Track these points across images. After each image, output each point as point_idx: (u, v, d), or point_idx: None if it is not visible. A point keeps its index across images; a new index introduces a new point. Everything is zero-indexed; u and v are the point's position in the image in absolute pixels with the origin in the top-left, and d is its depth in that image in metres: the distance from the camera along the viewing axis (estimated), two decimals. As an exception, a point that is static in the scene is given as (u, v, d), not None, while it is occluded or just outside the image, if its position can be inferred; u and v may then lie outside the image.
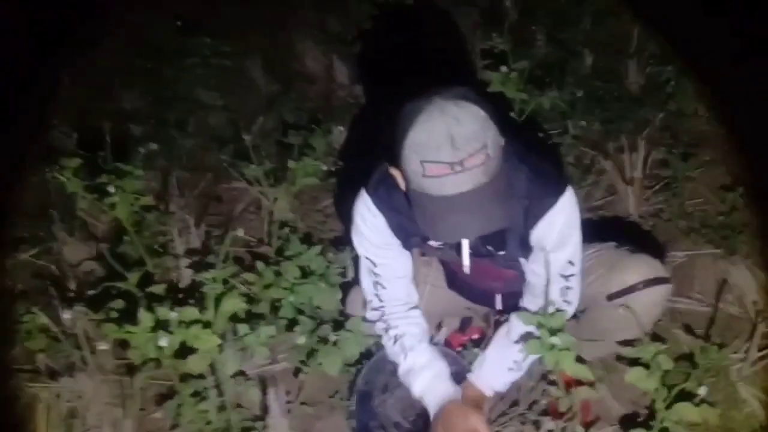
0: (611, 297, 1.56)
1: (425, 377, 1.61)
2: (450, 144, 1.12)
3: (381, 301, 1.61)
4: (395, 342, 1.63)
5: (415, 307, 1.67)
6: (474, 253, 1.51)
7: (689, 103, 2.80)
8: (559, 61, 3.01)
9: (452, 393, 1.59)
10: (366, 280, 1.61)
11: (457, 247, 1.49)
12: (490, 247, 1.48)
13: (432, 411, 1.60)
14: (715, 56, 2.96)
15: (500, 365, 1.59)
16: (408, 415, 1.71)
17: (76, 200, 2.48)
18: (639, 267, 1.57)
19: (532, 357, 1.49)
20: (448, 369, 1.64)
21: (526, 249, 1.46)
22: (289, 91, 3.38)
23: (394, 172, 1.28)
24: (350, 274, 2.02)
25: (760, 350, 1.82)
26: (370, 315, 1.65)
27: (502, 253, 1.48)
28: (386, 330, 1.64)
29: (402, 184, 1.30)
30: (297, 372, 1.86)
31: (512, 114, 2.23)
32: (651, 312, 1.52)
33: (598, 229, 2.32)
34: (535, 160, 1.41)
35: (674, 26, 3.28)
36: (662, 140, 2.67)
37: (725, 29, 3.05)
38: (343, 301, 1.86)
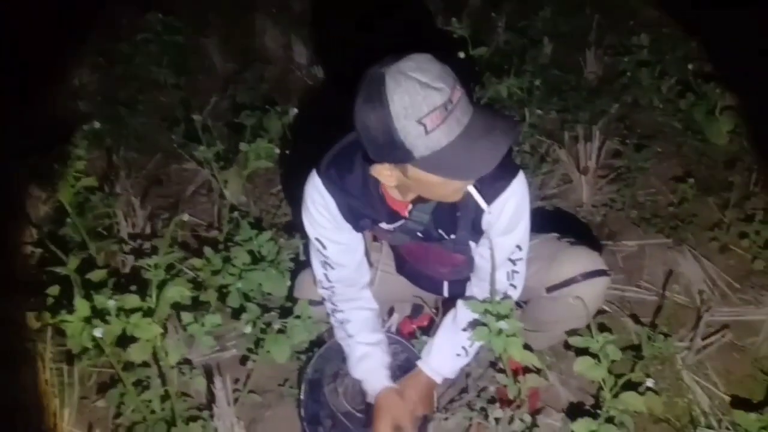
0: (550, 289, 1.57)
1: (363, 367, 1.61)
2: (431, 90, 1.10)
3: (329, 281, 1.58)
4: (340, 325, 1.62)
5: (366, 288, 1.65)
6: (425, 238, 1.50)
7: (645, 94, 2.84)
8: (518, 49, 3.00)
9: (386, 383, 1.60)
10: (315, 261, 1.59)
11: (410, 231, 1.48)
12: (441, 231, 1.47)
13: (370, 399, 1.62)
14: (672, 48, 3.01)
15: (448, 351, 1.59)
16: (357, 404, 1.69)
17: (15, 180, 2.39)
18: (578, 259, 1.57)
19: (480, 342, 1.48)
20: (387, 358, 1.63)
21: (477, 233, 1.45)
22: (245, 71, 3.30)
23: (382, 170, 1.24)
24: (302, 260, 1.98)
25: (704, 339, 1.86)
26: (320, 293, 1.63)
27: (453, 236, 1.47)
28: (333, 312, 1.62)
29: (390, 179, 1.25)
30: (244, 360, 1.82)
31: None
32: (590, 304, 1.52)
33: (551, 217, 2.37)
34: None
35: (633, 19, 3.33)
36: (617, 131, 2.70)
37: (683, 22, 3.11)
38: (292, 286, 1.82)
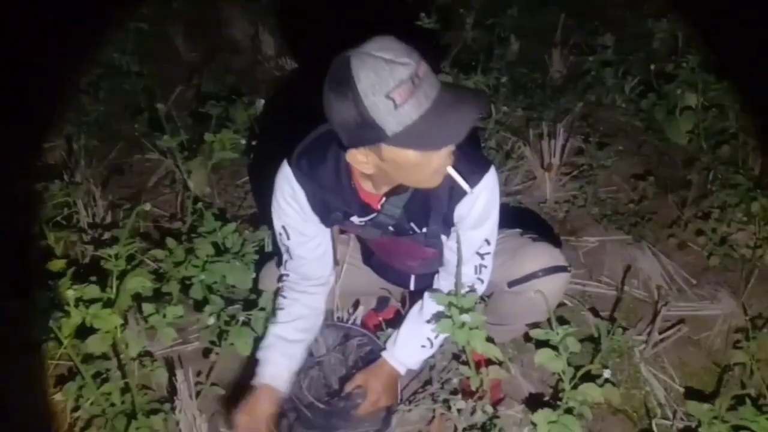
0: (512, 284, 1.59)
1: (263, 354, 1.58)
2: (396, 65, 1.10)
3: (285, 269, 1.59)
4: (276, 307, 1.59)
5: (321, 285, 1.63)
6: (396, 232, 1.51)
7: (608, 93, 2.89)
8: (485, 46, 3.03)
9: (267, 382, 1.55)
10: (279, 244, 1.58)
11: (381, 225, 1.47)
12: (413, 224, 1.48)
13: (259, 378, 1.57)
14: (636, 48, 3.08)
15: (413, 343, 1.60)
16: (321, 396, 1.68)
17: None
18: (539, 255, 1.59)
19: (444, 335, 1.50)
20: (284, 361, 1.57)
21: (448, 226, 1.46)
22: (210, 60, 3.26)
23: (357, 155, 1.22)
24: (267, 251, 1.96)
25: (660, 332, 1.91)
26: (283, 271, 1.61)
27: (424, 230, 1.48)
28: (278, 293, 1.61)
29: (366, 167, 1.25)
30: (207, 353, 1.80)
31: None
32: (550, 299, 1.54)
33: (515, 213, 2.40)
34: (463, 142, 1.40)
35: (598, 19, 3.39)
36: (580, 129, 2.75)
37: (648, 22, 3.17)
38: (257, 278, 1.80)
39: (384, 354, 1.62)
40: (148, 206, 1.78)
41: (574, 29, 3.26)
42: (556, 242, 1.77)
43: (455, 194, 1.38)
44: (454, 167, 1.30)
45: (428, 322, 1.54)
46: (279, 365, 1.56)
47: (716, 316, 1.99)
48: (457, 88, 1.21)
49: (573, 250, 2.26)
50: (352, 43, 1.16)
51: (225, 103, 2.54)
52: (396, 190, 1.38)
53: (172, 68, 3.27)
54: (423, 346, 1.58)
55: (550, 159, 2.43)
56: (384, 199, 1.40)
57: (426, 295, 1.58)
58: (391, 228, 1.49)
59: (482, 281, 1.53)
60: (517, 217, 2.37)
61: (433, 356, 1.69)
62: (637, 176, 2.54)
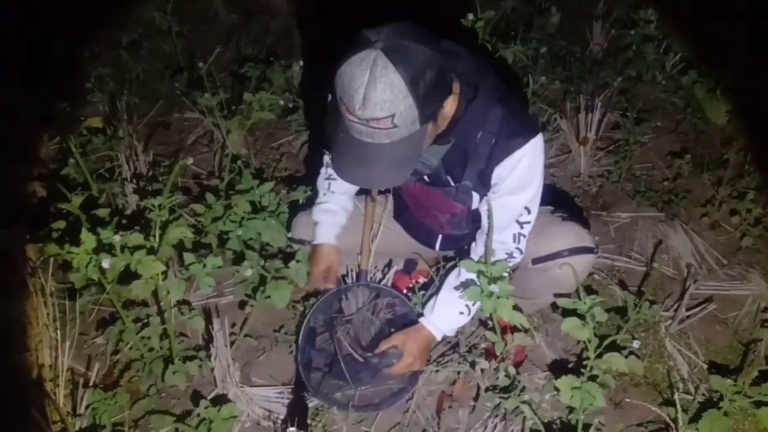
0: (536, 261, 1.60)
1: (324, 218, 1.76)
2: (362, 101, 1.16)
3: (330, 189, 1.75)
4: (327, 179, 1.75)
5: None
6: (432, 182, 1.54)
7: (648, 69, 2.84)
8: (526, 16, 2.99)
9: (332, 240, 1.76)
10: (324, 169, 1.77)
11: (417, 173, 1.49)
12: (449, 177, 1.50)
13: (316, 239, 1.77)
14: (679, 26, 3.01)
15: (451, 310, 1.62)
16: (358, 348, 1.72)
17: (21, 119, 2.39)
18: (566, 235, 1.60)
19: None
20: (344, 222, 1.77)
21: (484, 185, 1.47)
22: (249, 22, 3.27)
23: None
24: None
25: (688, 309, 1.92)
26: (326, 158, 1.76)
27: (459, 184, 1.50)
28: (328, 177, 1.75)
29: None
30: (242, 305, 1.86)
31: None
32: (573, 278, 1.55)
33: (547, 186, 2.39)
34: (514, 103, 1.43)
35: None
36: (618, 104, 2.72)
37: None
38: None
39: (422, 320, 1.65)
40: (190, 160, 1.82)
41: (617, 2, 3.20)
42: (585, 223, 1.77)
43: (496, 153, 1.40)
44: (498, 128, 1.37)
45: (455, 288, 1.57)
46: (332, 225, 1.76)
47: (745, 297, 1.98)
48: (389, 159, 1.27)
49: (604, 225, 2.26)
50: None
51: (263, 65, 2.57)
52: (437, 140, 1.40)
53: (211, 30, 3.29)
54: (461, 313, 1.61)
55: (586, 133, 2.42)
56: None
57: (462, 262, 1.60)
58: (426, 178, 1.52)
59: (521, 251, 1.55)
60: (550, 192, 2.36)
61: (464, 323, 1.72)
62: (673, 153, 2.51)
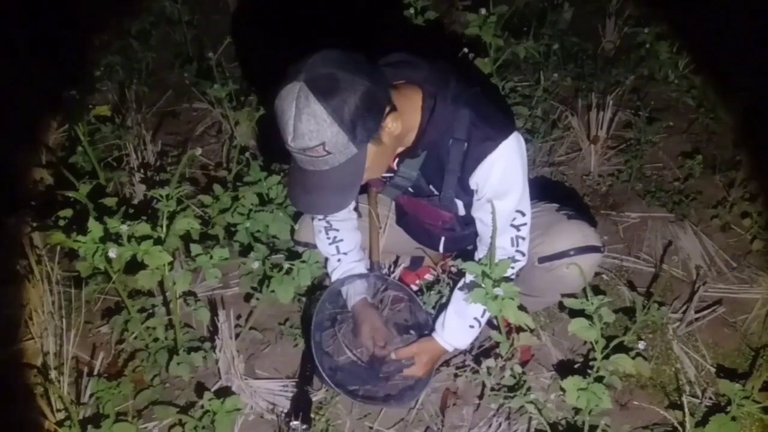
0: (542, 260, 1.58)
1: (347, 280, 1.72)
2: (292, 134, 1.20)
3: (339, 251, 1.69)
4: (332, 242, 1.69)
5: (353, 210, 1.72)
6: (416, 193, 1.53)
7: (661, 68, 2.82)
8: (538, 12, 2.97)
9: (364, 295, 1.73)
10: (323, 234, 1.69)
11: (399, 186, 1.52)
12: (431, 187, 1.49)
13: (350, 304, 1.74)
14: (693, 25, 2.97)
15: (461, 324, 1.60)
16: (356, 346, 1.72)
17: (28, 104, 2.38)
18: (572, 234, 1.58)
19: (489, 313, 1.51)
20: (364, 270, 1.74)
21: (465, 192, 1.46)
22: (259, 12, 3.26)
23: None
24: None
25: (696, 312, 1.90)
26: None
27: (441, 193, 1.49)
28: (327, 230, 1.69)
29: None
30: (249, 297, 1.86)
31: (486, 59, 2.19)
32: (580, 278, 1.54)
33: (556, 184, 2.39)
34: (483, 105, 1.40)
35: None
36: (630, 103, 2.69)
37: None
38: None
39: (434, 335, 1.64)
40: (199, 151, 1.82)
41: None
42: (592, 221, 1.75)
43: (468, 160, 1.39)
44: (467, 134, 1.36)
45: (460, 289, 1.57)
46: (357, 285, 1.73)
47: (755, 300, 1.95)
48: (332, 185, 1.29)
49: (613, 225, 2.24)
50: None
51: (271, 56, 2.55)
52: (408, 153, 1.41)
53: (220, 20, 3.28)
54: (471, 327, 1.60)
55: (597, 131, 2.40)
56: (397, 159, 1.43)
57: (464, 265, 1.59)
58: (410, 189, 1.52)
59: (522, 253, 1.52)
60: (558, 190, 2.35)
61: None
62: (685, 154, 2.48)
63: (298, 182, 1.31)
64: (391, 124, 1.28)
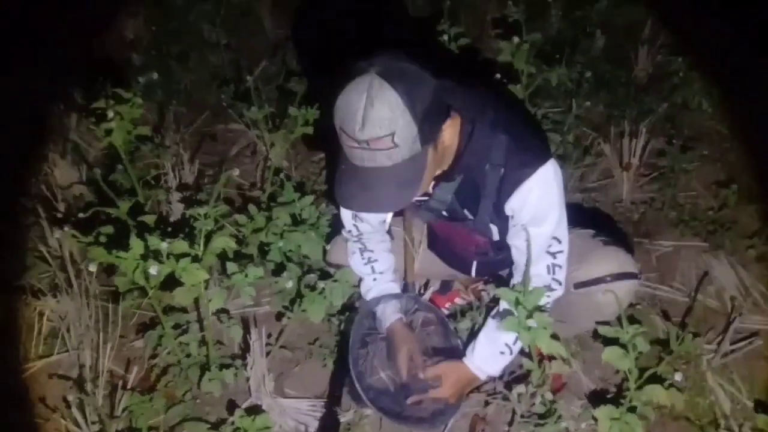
0: (578, 285, 1.57)
1: (381, 300, 1.71)
2: (360, 123, 1.17)
3: (358, 231, 1.66)
4: (367, 263, 1.69)
5: (384, 229, 1.72)
6: (450, 217, 1.54)
7: (694, 97, 2.80)
8: (571, 39, 2.98)
9: (399, 316, 1.71)
10: (345, 213, 1.66)
11: (434, 209, 1.51)
12: (466, 211, 1.50)
13: (384, 326, 1.71)
14: (726, 54, 2.96)
15: (492, 350, 1.59)
16: (387, 367, 1.72)
17: (71, 122, 2.46)
18: (609, 260, 1.57)
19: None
20: (398, 290, 1.74)
21: (500, 218, 1.46)
22: (296, 37, 3.33)
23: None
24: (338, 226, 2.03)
25: (732, 344, 1.87)
26: (346, 235, 1.69)
27: (475, 218, 1.49)
28: (362, 251, 1.68)
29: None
30: (280, 316, 1.88)
31: (518, 86, 2.21)
32: (615, 304, 1.53)
33: (588, 211, 2.37)
34: (520, 131, 1.41)
35: (689, 19, 3.27)
36: (663, 131, 2.67)
37: (739, 27, 3.04)
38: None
39: (464, 360, 1.64)
40: (236, 172, 1.86)
41: (663, 28, 3.17)
42: (628, 247, 1.74)
43: (505, 186, 1.38)
44: (504, 159, 1.36)
45: (493, 318, 1.56)
46: (392, 305, 1.71)
47: (792, 334, 1.92)
48: (393, 182, 1.26)
49: (646, 253, 2.22)
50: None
51: (307, 79, 2.60)
52: (444, 177, 1.41)
53: (258, 43, 3.35)
54: (502, 353, 1.58)
55: (629, 158, 2.39)
56: (433, 182, 1.43)
57: (498, 291, 1.59)
58: (444, 213, 1.52)
59: (559, 282, 1.50)
60: (591, 217, 2.34)
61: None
62: (719, 183, 2.45)
63: (354, 181, 1.27)
64: (448, 134, 1.30)
